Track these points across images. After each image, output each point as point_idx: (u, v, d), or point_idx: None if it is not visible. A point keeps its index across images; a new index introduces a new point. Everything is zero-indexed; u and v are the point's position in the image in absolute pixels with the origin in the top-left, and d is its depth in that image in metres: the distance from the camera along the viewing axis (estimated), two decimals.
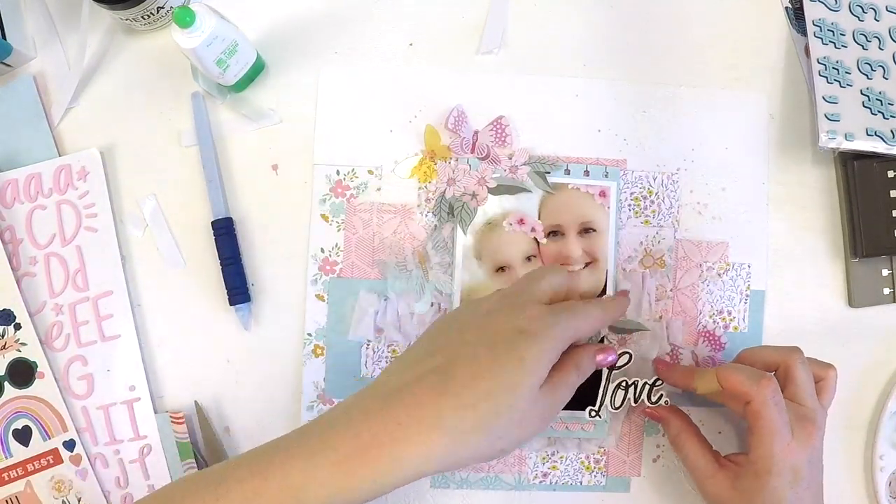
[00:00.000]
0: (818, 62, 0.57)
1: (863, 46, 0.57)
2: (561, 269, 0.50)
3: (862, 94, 0.57)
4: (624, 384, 0.56)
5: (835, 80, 0.56)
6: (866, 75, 0.57)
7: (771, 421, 0.48)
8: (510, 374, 0.42)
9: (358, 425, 0.42)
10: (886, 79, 0.57)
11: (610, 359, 0.51)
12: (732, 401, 0.51)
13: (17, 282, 0.55)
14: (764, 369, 0.51)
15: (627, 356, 0.55)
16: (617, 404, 0.56)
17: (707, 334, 0.58)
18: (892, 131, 0.55)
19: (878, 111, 0.56)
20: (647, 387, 0.56)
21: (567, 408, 0.56)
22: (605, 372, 0.56)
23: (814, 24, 0.57)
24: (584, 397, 0.56)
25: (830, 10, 0.58)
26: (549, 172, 0.58)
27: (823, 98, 0.56)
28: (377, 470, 0.40)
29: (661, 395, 0.55)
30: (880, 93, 0.57)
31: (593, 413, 0.56)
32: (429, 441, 0.41)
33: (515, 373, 0.42)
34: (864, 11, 0.58)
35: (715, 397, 0.52)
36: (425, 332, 0.48)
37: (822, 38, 0.57)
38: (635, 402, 0.56)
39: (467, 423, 0.41)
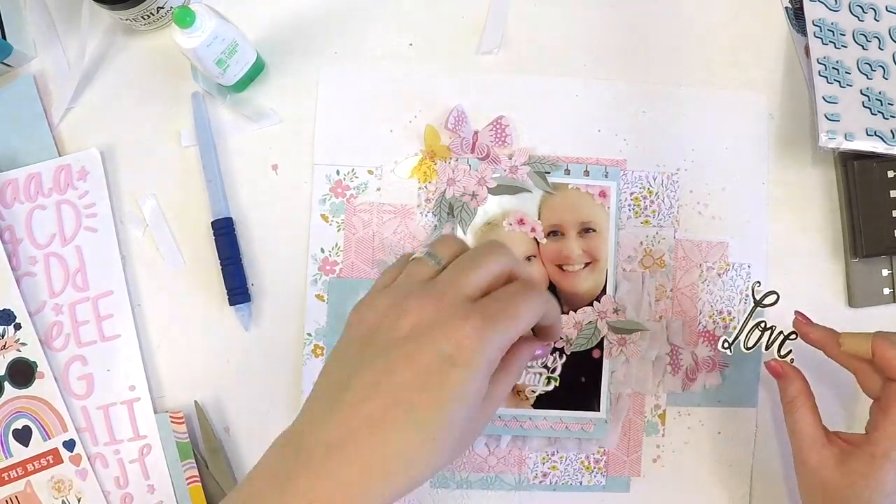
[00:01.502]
0: (818, 62, 0.57)
1: (863, 46, 0.57)
2: (497, 251, 0.41)
3: (862, 94, 0.57)
4: (763, 325, 0.53)
5: (835, 80, 0.56)
6: (866, 75, 0.57)
7: None
8: (446, 413, 0.37)
9: (304, 490, 0.36)
10: (886, 79, 0.57)
11: (540, 352, 0.50)
12: (870, 374, 0.48)
13: (17, 282, 0.55)
14: None
15: (775, 296, 0.53)
16: (750, 344, 0.53)
17: (707, 334, 0.58)
18: (892, 131, 0.55)
19: (878, 111, 0.56)
20: (782, 337, 0.53)
21: (567, 408, 0.57)
22: (749, 307, 0.54)
23: (814, 24, 0.57)
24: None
25: (830, 10, 0.58)
26: (549, 172, 0.58)
27: (823, 98, 0.56)
28: None
29: (790, 352, 0.53)
30: (880, 93, 0.57)
31: (726, 344, 0.53)
32: (383, 478, 0.36)
33: (451, 410, 0.37)
34: (864, 11, 0.58)
35: (849, 362, 0.50)
36: (344, 353, 0.40)
37: (822, 38, 0.57)
38: (766, 348, 0.53)
39: (414, 469, 0.37)
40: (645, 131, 0.59)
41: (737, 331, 0.53)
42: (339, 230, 0.57)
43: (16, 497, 0.55)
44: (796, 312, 0.53)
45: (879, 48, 0.58)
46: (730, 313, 0.59)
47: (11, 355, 0.55)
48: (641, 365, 0.57)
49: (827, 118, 0.55)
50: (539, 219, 0.57)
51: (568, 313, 0.57)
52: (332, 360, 0.41)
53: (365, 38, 0.59)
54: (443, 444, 0.37)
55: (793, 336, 0.53)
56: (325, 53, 0.58)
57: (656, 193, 0.59)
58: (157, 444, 0.55)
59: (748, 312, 0.54)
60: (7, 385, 0.55)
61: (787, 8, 0.60)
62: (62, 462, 0.55)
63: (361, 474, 0.35)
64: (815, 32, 0.57)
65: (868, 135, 0.55)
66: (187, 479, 0.55)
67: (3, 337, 0.55)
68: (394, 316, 0.39)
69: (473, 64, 0.59)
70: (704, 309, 0.58)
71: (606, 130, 0.59)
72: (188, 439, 0.55)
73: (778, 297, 0.53)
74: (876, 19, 0.58)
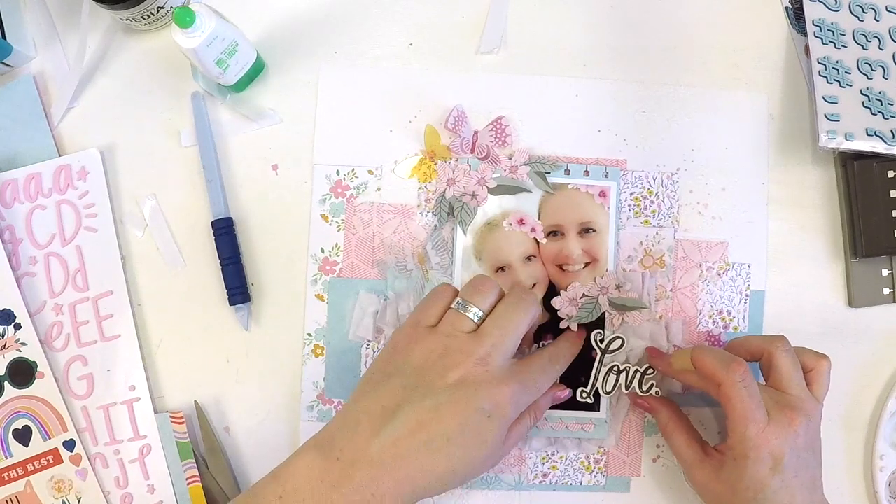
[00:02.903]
0: (818, 62, 0.57)
1: (863, 46, 0.57)
2: (528, 308, 0.50)
3: (862, 94, 0.56)
4: (616, 369, 0.56)
5: (835, 80, 0.56)
6: (866, 75, 0.57)
7: (741, 403, 0.48)
8: (475, 452, 0.47)
9: None
10: (886, 79, 0.57)
11: (564, 395, 0.55)
12: (708, 384, 0.51)
13: (17, 282, 0.55)
14: (749, 358, 0.51)
15: (620, 341, 0.56)
16: (608, 388, 0.56)
17: (707, 334, 0.58)
18: (892, 131, 0.55)
19: (878, 111, 0.56)
20: (639, 374, 0.56)
21: (567, 408, 0.57)
22: (598, 356, 0.56)
23: (814, 24, 0.57)
24: (578, 381, 0.56)
25: (830, 10, 0.58)
26: (549, 172, 0.58)
27: (823, 98, 0.56)
28: None
29: (652, 385, 0.56)
30: (880, 93, 0.57)
31: (584, 394, 0.56)
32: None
33: (481, 453, 0.47)
34: (864, 11, 0.58)
35: (691, 380, 0.52)
36: (391, 378, 0.48)
37: (822, 38, 0.57)
38: (626, 388, 0.56)
39: (435, 489, 0.46)
40: (645, 131, 0.59)
41: (591, 379, 0.56)
42: (339, 230, 0.57)
43: (16, 497, 0.55)
44: (648, 349, 0.56)
45: (879, 48, 0.58)
46: (730, 313, 0.59)
47: (11, 355, 0.55)
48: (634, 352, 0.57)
49: (827, 118, 0.55)
50: (539, 219, 0.57)
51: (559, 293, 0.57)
52: (377, 377, 0.49)
53: (365, 38, 0.59)
54: (466, 473, 0.47)
55: (650, 371, 0.56)
56: (325, 53, 0.58)
57: (656, 193, 0.59)
58: (157, 444, 0.55)
59: (598, 361, 0.56)
60: (7, 385, 0.55)
61: (787, 8, 0.60)
62: (62, 462, 0.55)
63: (397, 485, 0.45)
64: (815, 32, 0.57)
65: (868, 135, 0.55)
66: (187, 479, 0.55)
67: (3, 337, 0.55)
68: (442, 366, 0.47)
69: (473, 64, 0.59)
70: (704, 309, 0.58)
71: (606, 130, 0.59)
72: (188, 439, 0.55)
73: (623, 341, 0.56)
74: (876, 19, 0.58)
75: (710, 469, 0.51)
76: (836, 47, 0.57)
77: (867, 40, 0.57)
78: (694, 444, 0.53)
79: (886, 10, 0.58)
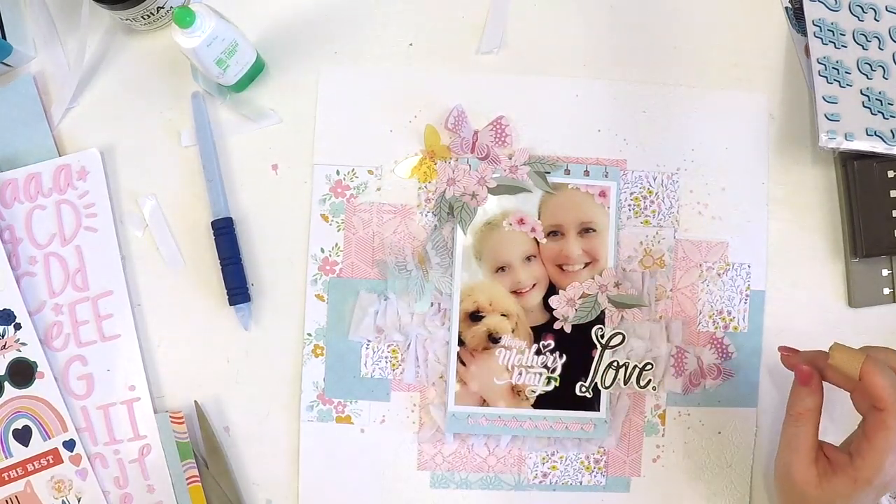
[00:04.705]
0: (818, 62, 0.56)
1: (863, 46, 0.57)
2: None
3: (862, 94, 0.56)
4: (615, 364, 0.56)
5: (835, 80, 0.56)
6: (866, 75, 0.57)
7: (894, 436, 0.46)
8: None
9: None
10: (886, 79, 0.57)
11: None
12: (861, 395, 0.48)
13: (17, 282, 0.55)
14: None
15: (621, 336, 0.56)
16: (607, 384, 0.56)
17: (707, 334, 0.58)
18: (892, 131, 0.55)
19: (879, 111, 0.56)
20: (637, 370, 0.56)
21: (568, 408, 0.57)
22: (598, 351, 0.56)
23: (814, 24, 0.57)
24: (578, 377, 0.56)
25: (830, 10, 0.58)
26: (549, 172, 0.58)
27: (823, 98, 0.56)
28: None
29: (650, 381, 0.56)
30: (880, 93, 0.57)
31: (583, 389, 0.56)
32: None
33: None
34: (864, 11, 0.58)
35: (836, 379, 0.50)
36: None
37: (822, 38, 0.57)
38: (625, 383, 0.56)
39: None
40: (645, 131, 0.59)
41: (591, 375, 0.56)
42: (339, 230, 0.57)
43: (16, 497, 0.55)
44: (780, 349, 0.53)
45: (879, 48, 0.58)
46: (730, 313, 0.59)
47: (11, 355, 0.55)
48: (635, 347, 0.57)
49: (827, 118, 0.55)
50: (539, 219, 0.57)
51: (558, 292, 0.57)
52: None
53: (365, 38, 0.59)
54: None
55: (648, 367, 0.56)
56: (325, 53, 0.58)
57: (656, 193, 0.59)
58: (156, 444, 0.55)
59: (598, 356, 0.56)
60: (7, 385, 0.55)
61: (787, 8, 0.60)
62: (62, 462, 0.55)
63: None
64: (815, 32, 0.57)
65: (868, 135, 0.55)
66: (187, 479, 0.55)
67: (3, 337, 0.55)
68: None
69: (473, 64, 0.59)
70: (704, 309, 0.58)
71: (606, 130, 0.59)
72: (188, 439, 0.55)
73: (624, 337, 0.56)
74: (876, 19, 0.58)
75: (815, 474, 0.48)
76: (836, 47, 0.57)
77: (867, 40, 0.57)
78: (816, 444, 0.50)
79: (886, 9, 0.58)
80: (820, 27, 0.57)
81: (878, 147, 0.55)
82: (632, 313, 0.57)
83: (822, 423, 0.51)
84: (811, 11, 0.58)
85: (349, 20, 0.59)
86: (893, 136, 0.56)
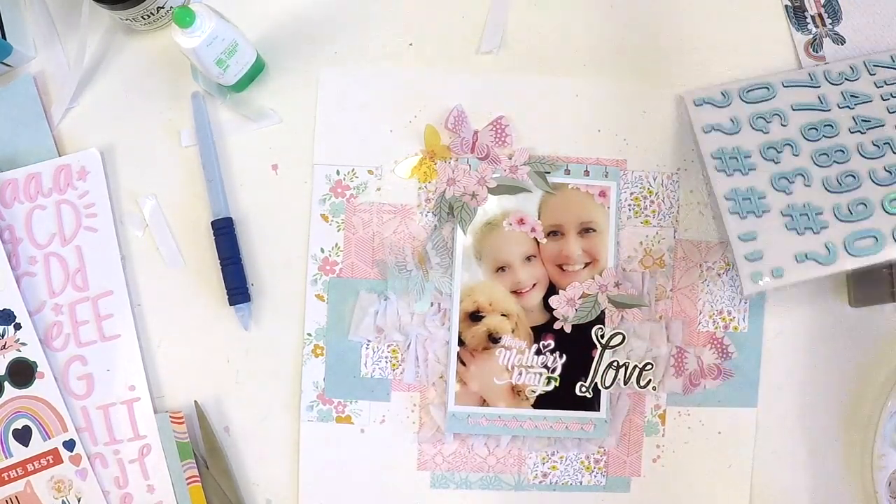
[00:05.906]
0: (725, 198, 0.50)
1: (774, 161, 0.51)
2: None
3: (783, 215, 0.51)
4: (615, 364, 0.56)
5: (748, 212, 0.50)
6: (784, 191, 0.51)
7: None
8: None
9: None
10: (808, 185, 0.51)
11: None
12: None
13: (17, 282, 0.55)
14: None
15: (621, 336, 0.56)
16: (607, 384, 0.56)
17: (707, 334, 0.58)
18: (826, 246, 0.49)
19: (807, 227, 0.50)
20: (637, 370, 0.56)
21: (568, 408, 0.57)
22: (598, 351, 0.56)
23: (713, 158, 0.51)
24: (578, 377, 0.56)
25: (728, 134, 0.52)
26: (549, 172, 0.58)
27: (739, 238, 0.50)
28: None
29: (650, 381, 0.56)
30: (804, 205, 0.51)
31: (584, 389, 0.56)
32: None
33: None
34: (767, 122, 0.52)
35: None
36: None
37: (725, 171, 0.50)
38: (625, 383, 0.56)
39: None
40: (645, 131, 0.59)
41: (591, 374, 0.56)
42: (339, 230, 0.57)
43: (16, 497, 0.55)
44: None
45: (793, 154, 0.52)
46: (730, 313, 0.58)
47: (11, 355, 0.55)
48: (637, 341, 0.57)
49: (747, 259, 0.49)
50: (539, 219, 0.57)
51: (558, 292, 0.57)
52: None
53: (365, 38, 0.59)
54: None
55: (648, 367, 0.56)
56: (325, 53, 0.58)
57: (656, 193, 0.59)
58: (156, 444, 0.55)
59: (598, 356, 0.56)
60: (7, 385, 0.55)
61: (786, 7, 0.60)
62: (62, 462, 0.55)
63: None
64: (716, 167, 0.51)
65: (798, 261, 0.50)
66: (187, 479, 0.55)
67: (3, 337, 0.55)
68: None
69: (473, 64, 0.59)
70: (704, 309, 0.58)
71: (606, 130, 0.59)
72: (188, 439, 0.55)
73: (624, 337, 0.56)
74: (783, 124, 0.52)
75: None
76: (742, 174, 0.51)
77: (777, 152, 0.51)
78: None
79: (792, 108, 0.53)
80: (721, 159, 0.52)
81: (812, 273, 0.50)
82: (632, 313, 0.57)
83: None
84: (706, 146, 0.52)
85: (349, 20, 0.59)
86: (830, 251, 0.50)
